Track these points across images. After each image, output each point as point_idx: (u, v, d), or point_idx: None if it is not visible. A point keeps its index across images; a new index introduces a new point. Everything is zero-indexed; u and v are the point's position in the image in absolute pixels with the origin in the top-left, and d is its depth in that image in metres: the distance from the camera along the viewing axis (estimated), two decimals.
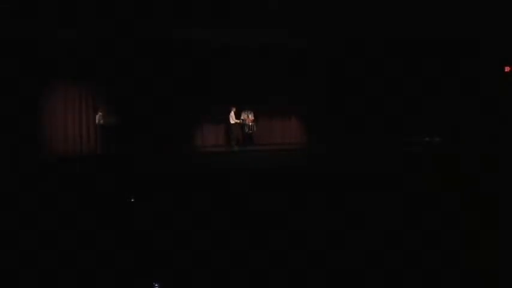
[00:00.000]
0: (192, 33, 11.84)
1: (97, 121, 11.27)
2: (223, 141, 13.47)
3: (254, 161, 9.63)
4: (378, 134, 12.75)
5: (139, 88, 12.02)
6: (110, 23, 10.67)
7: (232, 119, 12.27)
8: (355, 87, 13.28)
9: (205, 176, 6.90)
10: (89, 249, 3.22)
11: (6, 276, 2.76)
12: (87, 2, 9.50)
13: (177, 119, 12.56)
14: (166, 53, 12.22)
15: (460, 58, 12.26)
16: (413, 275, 2.64)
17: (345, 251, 3.08)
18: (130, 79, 11.85)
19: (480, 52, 11.93)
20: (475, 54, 12.00)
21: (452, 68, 12.46)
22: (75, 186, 6.07)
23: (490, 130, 11.31)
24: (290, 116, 14.38)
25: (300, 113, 14.25)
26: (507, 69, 11.94)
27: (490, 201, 4.37)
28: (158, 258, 3.01)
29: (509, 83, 11.82)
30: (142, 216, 4.19)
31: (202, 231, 3.60)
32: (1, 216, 4.29)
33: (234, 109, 12.24)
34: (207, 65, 12.73)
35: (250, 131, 12.54)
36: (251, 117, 12.55)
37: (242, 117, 12.47)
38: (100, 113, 11.23)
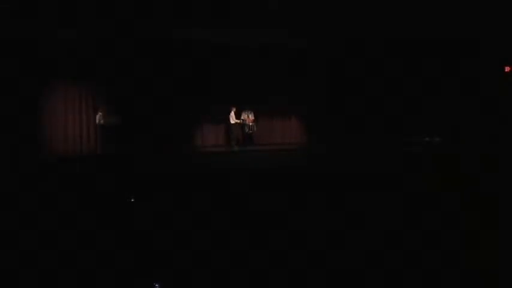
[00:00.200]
0: (192, 33, 11.84)
1: (97, 121, 11.27)
2: (223, 141, 13.47)
3: (254, 161, 9.63)
4: (378, 134, 12.75)
5: (139, 88, 12.01)
6: (110, 23, 10.67)
7: (232, 119, 12.27)
8: (355, 87, 13.28)
9: (205, 176, 6.90)
10: (89, 249, 3.22)
11: (6, 276, 2.76)
12: (87, 2, 9.50)
13: (177, 119, 12.56)
14: (166, 53, 12.22)
15: (460, 58, 12.26)
16: (413, 275, 2.64)
17: (345, 251, 3.08)
18: (130, 79, 11.85)
19: (480, 52, 11.93)
20: (475, 54, 12.00)
21: (452, 68, 12.45)
22: (75, 186, 6.07)
23: (490, 130, 11.31)
24: (290, 116, 14.38)
25: (300, 113, 14.25)
26: (507, 69, 11.93)
27: (490, 201, 4.37)
28: (158, 258, 3.01)
29: (509, 83, 11.81)
30: (142, 216, 4.19)
31: (202, 231, 3.60)
32: (1, 216, 4.29)
33: (234, 109, 12.25)
34: (207, 65, 12.72)
35: (250, 131, 12.54)
36: (251, 117, 12.55)
37: (242, 117, 12.47)
38: (100, 113, 11.23)
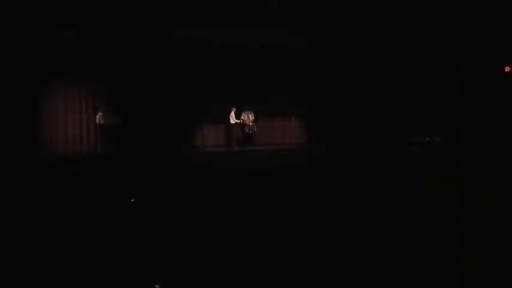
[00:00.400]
0: (192, 33, 11.84)
1: (97, 121, 11.28)
2: (223, 141, 13.47)
3: (254, 161, 9.63)
4: (378, 134, 12.75)
5: (139, 88, 12.01)
6: (110, 23, 10.67)
7: (233, 119, 12.27)
8: (355, 87, 13.28)
9: (205, 176, 6.90)
10: (89, 249, 3.22)
11: (6, 276, 2.76)
12: (87, 2, 9.50)
13: (177, 119, 12.56)
14: (166, 53, 12.22)
15: (460, 58, 12.27)
16: (413, 275, 2.64)
17: (345, 251, 3.08)
18: (130, 79, 11.85)
19: (480, 52, 11.93)
20: (475, 54, 12.00)
21: (452, 68, 12.46)
22: (75, 186, 6.07)
23: (490, 130, 11.31)
24: (290, 116, 14.38)
25: (300, 113, 14.25)
26: (507, 69, 11.94)
27: (490, 201, 4.37)
28: (158, 258, 3.01)
29: (509, 83, 11.82)
30: (142, 216, 4.19)
31: (202, 231, 3.60)
32: (1, 216, 4.29)
33: (234, 109, 12.25)
34: (207, 65, 12.72)
35: (251, 131, 12.54)
36: (251, 117, 12.55)
37: (242, 117, 12.47)
38: (100, 113, 11.24)
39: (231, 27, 11.62)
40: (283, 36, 12.31)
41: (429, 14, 10.62)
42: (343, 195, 4.92)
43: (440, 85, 12.72)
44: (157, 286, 2.58)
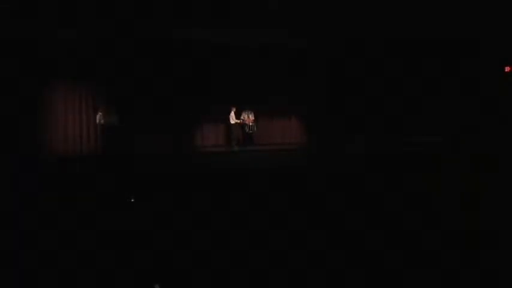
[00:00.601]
0: (192, 33, 11.84)
1: (97, 121, 11.28)
2: (223, 141, 13.47)
3: (254, 161, 9.63)
4: (378, 134, 12.75)
5: (139, 88, 12.01)
6: (110, 23, 10.67)
7: (233, 119, 12.27)
8: (355, 87, 13.28)
9: (205, 176, 6.90)
10: (88, 249, 3.22)
11: (6, 276, 2.76)
12: (87, 2, 9.50)
13: (177, 119, 12.56)
14: (166, 53, 12.22)
15: (460, 58, 12.27)
16: (413, 275, 2.64)
17: (345, 251, 3.08)
18: (130, 79, 11.85)
19: (480, 52, 11.93)
20: (475, 54, 12.00)
21: (452, 68, 12.46)
22: (75, 186, 6.07)
23: (490, 130, 11.31)
24: (290, 116, 14.39)
25: (300, 113, 14.26)
26: (507, 69, 11.94)
27: (490, 201, 4.37)
28: (158, 258, 3.01)
29: (509, 83, 11.82)
30: (142, 216, 4.19)
31: (202, 231, 3.60)
32: (1, 216, 4.29)
33: (234, 109, 12.25)
34: (207, 65, 12.72)
35: (251, 131, 12.55)
36: (251, 117, 12.55)
37: (242, 117, 12.48)
38: (100, 113, 11.24)
39: (231, 27, 11.62)
40: (283, 36, 12.31)
41: (429, 14, 10.62)
42: (343, 195, 4.92)
43: (440, 85, 12.72)
44: (157, 286, 2.58)
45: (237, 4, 10.07)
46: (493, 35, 11.49)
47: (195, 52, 12.38)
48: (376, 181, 5.97)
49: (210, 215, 4.10)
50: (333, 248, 3.17)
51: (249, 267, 2.83)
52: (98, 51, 11.38)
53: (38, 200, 4.93)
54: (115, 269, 2.85)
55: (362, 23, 11.29)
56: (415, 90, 12.84)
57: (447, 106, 12.39)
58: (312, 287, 2.56)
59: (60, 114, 11.33)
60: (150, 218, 4.08)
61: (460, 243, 3.19)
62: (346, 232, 3.52)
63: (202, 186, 5.87)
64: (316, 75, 13.53)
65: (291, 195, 4.92)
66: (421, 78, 12.81)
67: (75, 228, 3.77)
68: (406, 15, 10.70)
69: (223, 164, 9.45)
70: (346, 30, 11.85)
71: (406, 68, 12.83)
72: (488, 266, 2.73)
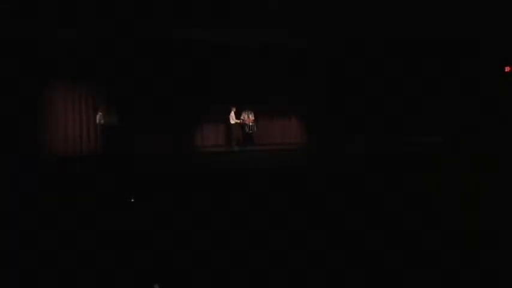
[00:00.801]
0: (192, 33, 11.84)
1: (97, 121, 11.28)
2: (223, 141, 13.47)
3: (254, 161, 9.63)
4: (378, 134, 12.75)
5: (139, 88, 12.01)
6: (110, 23, 10.67)
7: (233, 119, 12.27)
8: (355, 87, 13.28)
9: (205, 176, 6.90)
10: (88, 249, 3.22)
11: (6, 276, 2.76)
12: (87, 2, 9.50)
13: (177, 119, 12.56)
14: (166, 53, 12.22)
15: (460, 58, 12.26)
16: (413, 275, 2.64)
17: (345, 251, 3.08)
18: (131, 79, 11.85)
19: (480, 52, 11.93)
20: (475, 54, 12.00)
21: (452, 68, 12.45)
22: (75, 186, 6.07)
23: (490, 130, 11.31)
24: (290, 116, 14.39)
25: (300, 113, 14.26)
26: (507, 69, 11.94)
27: (490, 201, 4.37)
28: (158, 258, 3.01)
29: (509, 83, 11.82)
30: (142, 216, 4.19)
31: (202, 231, 3.60)
32: (1, 216, 4.29)
33: (234, 109, 12.25)
34: (207, 65, 12.72)
35: (251, 131, 12.55)
36: (251, 117, 12.56)
37: (242, 117, 12.48)
38: (100, 113, 11.24)
39: (231, 27, 11.62)
40: (283, 36, 12.31)
41: (429, 14, 10.62)
42: (343, 195, 4.92)
43: (440, 85, 12.72)
44: (157, 286, 2.58)
45: (237, 4, 10.07)
46: (493, 35, 11.49)
47: (195, 52, 12.38)
48: (376, 181, 5.97)
49: (210, 215, 4.10)
50: (333, 248, 3.17)
51: (249, 267, 2.83)
52: (98, 51, 11.38)
53: (38, 200, 4.93)
54: (115, 269, 2.85)
55: (362, 23, 11.29)
56: (415, 90, 12.84)
57: (447, 106, 12.39)
58: (312, 287, 2.56)
59: (60, 114, 11.33)
60: (150, 218, 4.08)
61: (460, 243, 3.19)
62: (346, 232, 3.52)
63: (202, 186, 5.87)
64: (316, 75, 13.53)
65: (291, 195, 4.92)
66: (421, 78, 12.80)
67: (75, 228, 3.77)
68: (406, 15, 10.70)
69: (223, 164, 9.45)
70: (346, 30, 11.85)
71: (406, 68, 12.83)
72: (488, 266, 2.73)
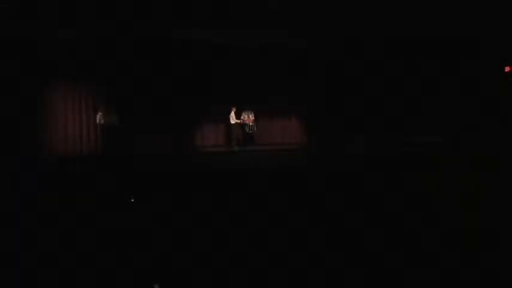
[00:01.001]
0: (192, 33, 11.84)
1: (97, 121, 11.28)
2: (223, 141, 13.48)
3: (254, 161, 9.63)
4: (378, 134, 12.75)
5: (139, 88, 12.01)
6: (110, 23, 10.67)
7: (233, 119, 12.28)
8: (355, 87, 13.28)
9: (205, 176, 6.90)
10: (88, 249, 3.22)
11: (6, 276, 2.76)
12: (87, 2, 9.50)
13: (177, 119, 12.56)
14: (166, 53, 12.22)
15: (460, 58, 12.26)
16: (413, 275, 2.64)
17: (345, 251, 3.08)
18: (131, 79, 11.85)
19: (480, 52, 11.93)
20: (475, 54, 12.00)
21: (452, 68, 12.45)
22: (75, 186, 6.07)
23: (490, 130, 11.31)
24: (290, 116, 14.39)
25: (300, 113, 14.26)
26: (507, 69, 11.94)
27: (490, 201, 4.37)
28: (158, 258, 3.01)
29: (509, 83, 11.82)
30: (142, 216, 4.19)
31: (202, 231, 3.60)
32: (1, 216, 4.29)
33: (234, 109, 12.25)
34: (207, 65, 12.72)
35: (251, 131, 12.56)
36: (251, 117, 12.56)
37: (242, 117, 12.48)
38: (100, 113, 11.24)
39: (231, 27, 11.62)
40: (283, 36, 12.31)
41: (429, 14, 10.62)
42: (343, 195, 4.91)
43: (440, 85, 12.72)
44: (157, 286, 2.58)
45: (237, 4, 10.07)
46: (493, 35, 11.49)
47: (195, 52, 12.38)
48: (376, 181, 5.97)
49: (210, 215, 4.10)
50: (333, 248, 3.17)
51: (249, 267, 2.83)
52: (98, 51, 11.38)
53: (38, 200, 4.93)
54: (115, 269, 2.85)
55: (362, 23, 11.29)
56: (415, 90, 12.84)
57: (447, 106, 12.39)
58: (312, 287, 2.56)
59: (60, 114, 11.33)
60: (150, 218, 4.08)
61: (460, 243, 3.18)
62: (346, 232, 3.52)
63: (202, 186, 5.87)
64: (316, 75, 13.53)
65: (291, 195, 4.91)
66: (421, 78, 12.80)
67: (75, 228, 3.77)
68: (406, 15, 10.70)
69: (223, 164, 9.45)
70: (346, 30, 11.85)
71: (406, 68, 12.82)
72: (488, 266, 2.73)
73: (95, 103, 11.78)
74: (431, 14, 10.64)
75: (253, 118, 12.60)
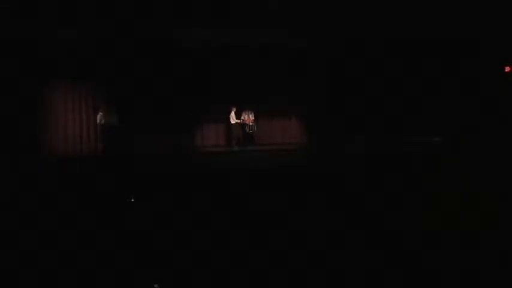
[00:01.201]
0: (192, 33, 11.84)
1: (98, 121, 11.28)
2: (223, 141, 13.48)
3: (254, 161, 9.63)
4: (378, 134, 12.75)
5: (139, 88, 12.02)
6: (110, 23, 10.67)
7: (233, 119, 12.28)
8: (355, 87, 13.27)
9: (205, 176, 6.90)
10: (88, 249, 3.22)
11: (6, 276, 2.76)
12: (87, 2, 9.50)
13: (177, 119, 12.57)
14: (166, 53, 12.22)
15: (460, 58, 12.26)
16: (413, 275, 2.64)
17: (345, 251, 3.08)
18: (131, 79, 11.86)
19: (480, 52, 11.93)
20: (475, 54, 12.00)
21: (452, 68, 12.45)
22: (75, 186, 6.07)
23: (490, 130, 11.31)
24: (290, 116, 14.39)
25: (300, 113, 14.26)
26: (507, 69, 11.94)
27: (489, 201, 4.37)
28: (158, 258, 3.01)
29: (509, 83, 11.82)
30: (142, 216, 4.19)
31: (202, 231, 3.60)
32: (1, 216, 4.29)
33: (234, 109, 12.26)
34: (207, 65, 12.73)
35: (251, 131, 12.57)
36: (251, 117, 12.57)
37: (242, 117, 12.49)
38: (101, 113, 11.25)
39: (231, 27, 11.62)
40: (283, 36, 12.31)
41: (429, 14, 10.62)
42: (343, 195, 4.91)
43: (440, 85, 12.72)
44: (157, 286, 2.58)
45: (237, 4, 10.07)
46: (493, 35, 11.49)
47: (195, 52, 12.38)
48: (376, 181, 5.97)
49: (210, 215, 4.10)
50: (333, 248, 3.17)
51: (249, 267, 2.83)
52: (98, 51, 11.38)
53: (38, 200, 4.93)
54: (115, 269, 2.85)
55: (362, 23, 11.29)
56: (415, 90, 12.83)
57: (447, 106, 12.39)
58: (312, 287, 2.56)
59: (60, 114, 11.34)
60: (150, 218, 4.08)
61: (460, 243, 3.18)
62: (346, 232, 3.52)
63: (202, 186, 5.87)
64: (316, 75, 13.52)
65: (291, 195, 4.91)
66: (421, 78, 12.80)
67: (75, 228, 3.77)
68: (406, 15, 10.70)
69: (223, 164, 9.45)
70: (346, 30, 11.85)
71: (406, 68, 12.82)
72: (488, 265, 2.73)
73: (95, 103, 11.80)
74: (431, 14, 10.64)
75: (253, 118, 12.61)
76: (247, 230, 3.65)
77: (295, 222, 3.84)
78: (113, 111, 11.49)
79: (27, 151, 10.00)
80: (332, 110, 13.52)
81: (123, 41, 11.47)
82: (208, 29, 11.68)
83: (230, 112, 12.25)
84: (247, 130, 12.50)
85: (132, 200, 4.80)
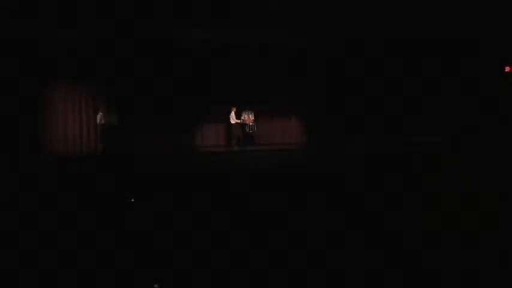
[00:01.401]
0: (192, 33, 11.84)
1: (98, 121, 11.29)
2: (223, 141, 13.48)
3: (254, 161, 9.63)
4: (378, 134, 12.75)
5: (139, 88, 12.02)
6: (110, 23, 10.67)
7: (233, 119, 12.28)
8: (355, 87, 13.27)
9: (205, 176, 6.90)
10: (88, 249, 3.22)
11: (6, 276, 2.76)
12: (87, 2, 9.50)
13: (177, 119, 12.57)
14: (166, 53, 12.22)
15: (460, 58, 12.26)
16: (412, 275, 2.64)
17: (345, 251, 3.08)
18: (131, 79, 11.86)
19: (480, 52, 11.93)
20: (475, 54, 12.00)
21: (452, 68, 12.45)
22: (75, 186, 6.07)
23: (490, 130, 11.31)
24: (290, 116, 14.39)
25: (300, 113, 14.26)
26: (507, 69, 11.94)
27: (489, 201, 4.37)
28: (158, 258, 3.01)
29: (509, 83, 11.82)
30: (142, 216, 4.19)
31: (202, 231, 3.60)
32: (1, 216, 4.29)
33: (234, 109, 12.26)
34: (207, 65, 12.73)
35: (251, 131, 12.57)
36: (251, 117, 12.57)
37: (242, 117, 12.49)
38: (101, 113, 11.25)
39: (231, 27, 11.62)
40: (283, 36, 12.31)
41: (429, 14, 10.62)
42: (343, 195, 4.92)
43: (440, 85, 12.72)
44: (157, 286, 2.58)
45: (237, 4, 10.07)
46: (493, 35, 11.49)
47: (195, 52, 12.38)
48: (376, 181, 5.97)
49: (210, 215, 4.10)
50: (333, 248, 3.17)
51: (249, 267, 2.83)
52: (98, 51, 11.38)
53: (38, 200, 4.93)
54: (115, 269, 2.85)
55: (362, 23, 11.29)
56: (415, 90, 12.83)
57: (447, 106, 12.39)
58: (312, 287, 2.56)
59: (60, 114, 11.34)
60: (150, 218, 4.08)
61: (460, 243, 3.18)
62: (346, 232, 3.52)
63: (202, 186, 5.87)
64: (316, 75, 13.51)
65: (291, 195, 4.91)
66: (421, 78, 12.80)
67: (75, 228, 3.77)
68: (406, 15, 10.70)
69: (223, 164, 9.45)
70: (346, 30, 11.85)
71: (406, 68, 12.82)
72: (488, 265, 2.73)
73: (95, 103, 11.80)
74: (431, 14, 10.64)
75: (253, 118, 12.61)
76: (247, 230, 3.65)
77: (295, 222, 3.84)
78: (113, 111, 11.49)
79: (27, 151, 10.00)
80: (332, 110, 13.52)
81: (123, 41, 11.46)
82: (208, 29, 11.68)
83: (230, 112, 12.25)
84: (247, 130, 12.50)
85: (132, 200, 4.80)
